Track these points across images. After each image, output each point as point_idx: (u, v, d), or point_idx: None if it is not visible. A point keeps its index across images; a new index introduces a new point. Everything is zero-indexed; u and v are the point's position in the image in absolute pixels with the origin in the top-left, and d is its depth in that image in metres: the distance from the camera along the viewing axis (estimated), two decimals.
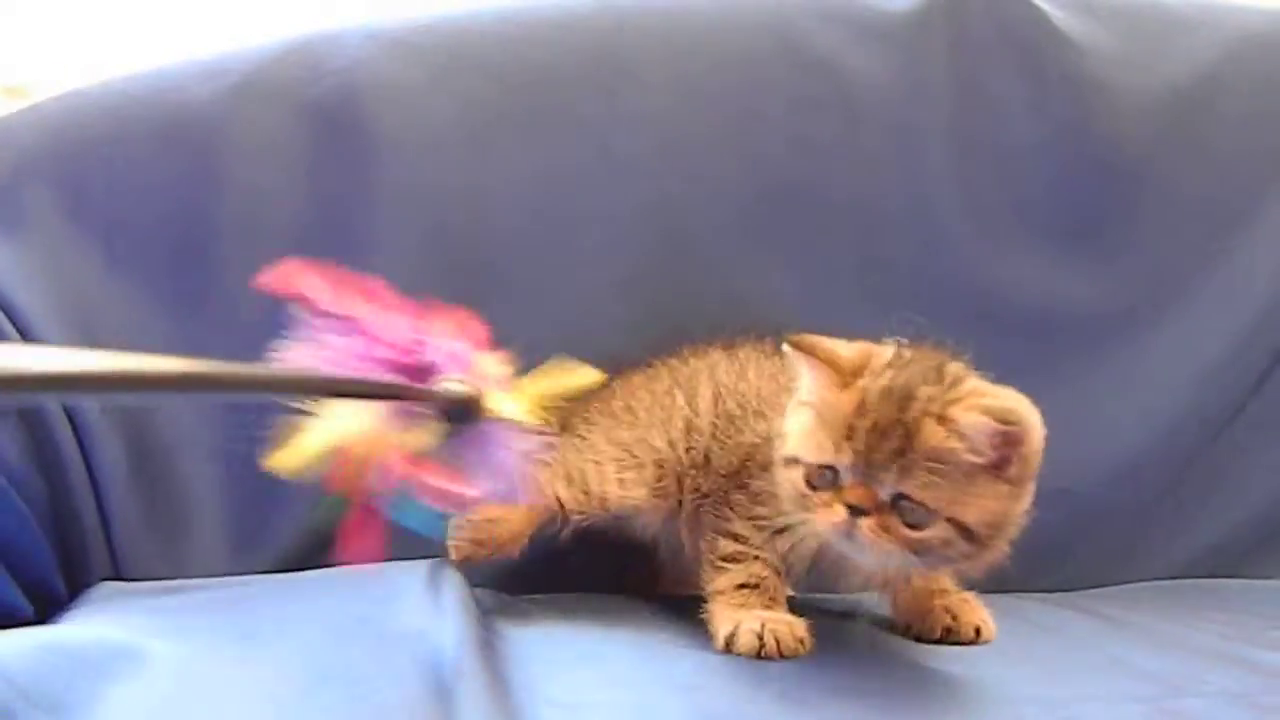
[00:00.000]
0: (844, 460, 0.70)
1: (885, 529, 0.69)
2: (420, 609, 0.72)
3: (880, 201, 1.10)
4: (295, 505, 0.98)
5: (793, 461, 0.74)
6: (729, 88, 1.10)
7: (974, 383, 0.73)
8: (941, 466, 0.68)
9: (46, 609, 0.84)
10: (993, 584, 1.03)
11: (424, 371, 0.56)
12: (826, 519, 0.70)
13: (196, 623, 0.75)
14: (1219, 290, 1.12)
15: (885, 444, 0.68)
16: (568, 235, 1.07)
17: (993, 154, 1.12)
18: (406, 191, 1.05)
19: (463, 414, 0.56)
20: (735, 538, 0.82)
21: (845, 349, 0.75)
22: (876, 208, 1.10)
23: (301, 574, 0.90)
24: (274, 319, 1.00)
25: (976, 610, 0.82)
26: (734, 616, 0.77)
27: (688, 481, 0.88)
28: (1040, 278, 1.11)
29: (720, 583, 0.81)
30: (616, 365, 0.95)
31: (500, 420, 0.58)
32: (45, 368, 0.33)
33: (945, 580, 0.83)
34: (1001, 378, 1.09)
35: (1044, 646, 0.84)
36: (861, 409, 0.70)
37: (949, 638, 0.80)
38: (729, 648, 0.76)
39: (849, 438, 0.70)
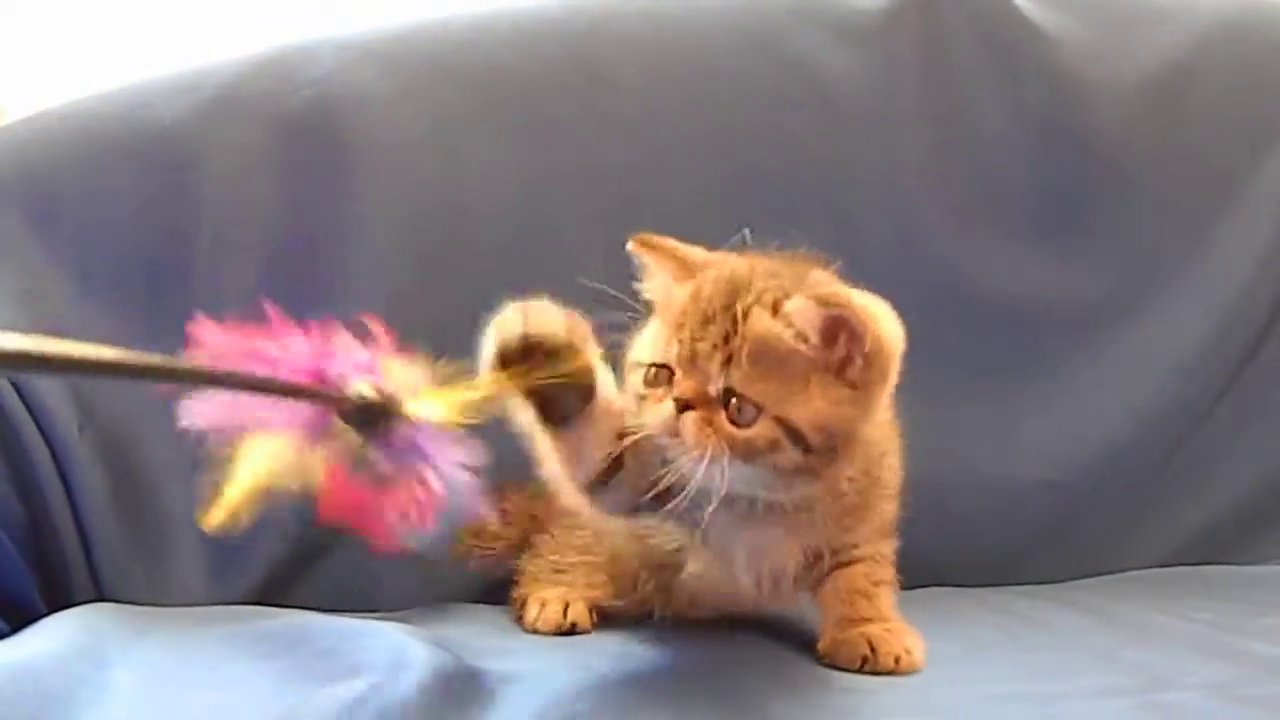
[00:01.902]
0: (673, 353, 0.66)
1: (709, 424, 0.63)
2: (390, 643, 0.70)
3: (857, 196, 1.10)
4: (274, 529, 0.97)
5: (634, 366, 0.69)
6: (705, 87, 1.10)
7: (827, 282, 0.67)
8: (769, 357, 0.63)
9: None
10: (981, 577, 1.05)
11: (333, 386, 0.50)
12: (654, 416, 0.65)
13: (165, 651, 0.74)
14: (1198, 277, 1.12)
15: (711, 330, 0.64)
16: (546, 240, 1.07)
17: (968, 147, 1.12)
18: (384, 201, 1.04)
19: (374, 419, 0.51)
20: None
21: (696, 250, 0.71)
22: (853, 203, 1.10)
23: (272, 609, 0.90)
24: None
25: (900, 640, 0.72)
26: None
27: None
28: (1018, 269, 1.11)
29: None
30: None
31: (421, 427, 0.52)
32: None
33: (875, 608, 0.75)
34: (982, 370, 1.11)
35: (1031, 641, 0.83)
36: (695, 298, 0.66)
37: (865, 668, 0.71)
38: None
39: (680, 328, 0.66)
